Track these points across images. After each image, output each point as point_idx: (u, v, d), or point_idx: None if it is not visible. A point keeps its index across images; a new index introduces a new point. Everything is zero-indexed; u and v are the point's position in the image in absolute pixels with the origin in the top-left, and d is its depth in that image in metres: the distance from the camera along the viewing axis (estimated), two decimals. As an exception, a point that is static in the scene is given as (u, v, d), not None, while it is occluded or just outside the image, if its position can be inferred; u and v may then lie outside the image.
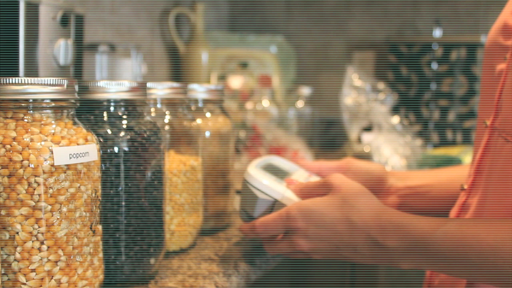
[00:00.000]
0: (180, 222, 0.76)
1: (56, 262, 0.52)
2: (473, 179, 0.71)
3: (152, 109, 0.75)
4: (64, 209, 0.52)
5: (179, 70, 1.83)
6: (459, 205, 0.74)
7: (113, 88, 0.62)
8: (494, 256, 0.56)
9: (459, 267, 0.59)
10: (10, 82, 0.51)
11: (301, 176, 0.76)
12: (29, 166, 0.50)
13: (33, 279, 0.51)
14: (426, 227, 0.60)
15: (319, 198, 0.66)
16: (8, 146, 0.50)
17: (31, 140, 0.51)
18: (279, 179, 0.73)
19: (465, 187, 0.73)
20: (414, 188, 0.83)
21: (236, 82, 1.79)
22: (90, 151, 0.54)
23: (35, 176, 0.50)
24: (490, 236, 0.56)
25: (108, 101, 0.62)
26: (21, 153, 0.50)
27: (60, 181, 0.52)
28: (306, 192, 0.69)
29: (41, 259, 0.51)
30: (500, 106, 0.68)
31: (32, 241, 0.51)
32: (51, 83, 0.52)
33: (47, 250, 0.51)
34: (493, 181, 0.67)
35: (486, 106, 0.72)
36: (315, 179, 0.77)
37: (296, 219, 0.65)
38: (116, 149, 0.61)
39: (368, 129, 1.61)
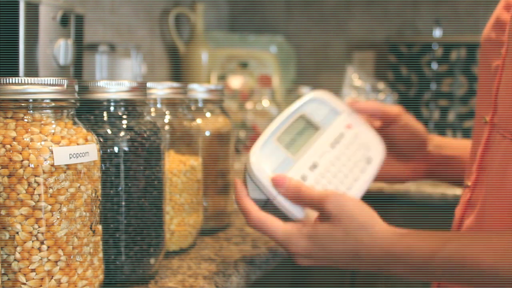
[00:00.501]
0: (180, 222, 0.76)
1: (56, 262, 0.52)
2: (476, 176, 0.71)
3: (152, 109, 0.75)
4: (64, 209, 0.52)
5: (179, 70, 1.83)
6: (464, 203, 0.73)
7: (113, 88, 0.62)
8: (493, 276, 0.58)
9: (461, 284, 0.62)
10: (10, 82, 0.51)
11: (300, 168, 0.71)
12: (29, 166, 0.50)
13: (33, 279, 0.51)
14: (427, 252, 0.61)
15: (321, 227, 0.64)
16: (8, 146, 0.50)
17: (31, 140, 0.51)
18: (287, 161, 0.70)
19: (469, 184, 0.73)
20: (447, 159, 0.84)
21: (236, 82, 1.79)
22: (90, 151, 0.54)
23: (35, 176, 0.50)
24: (489, 257, 0.58)
25: (108, 101, 0.62)
26: (21, 153, 0.50)
27: (60, 181, 0.52)
28: (295, 199, 0.67)
29: (41, 259, 0.51)
30: (500, 103, 0.68)
31: (32, 241, 0.51)
32: (51, 83, 0.52)
33: (47, 250, 0.51)
34: (494, 177, 0.67)
35: (484, 103, 0.72)
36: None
37: (298, 245, 0.64)
38: (116, 149, 0.61)
39: (368, 129, 1.61)
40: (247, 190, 0.68)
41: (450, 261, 0.60)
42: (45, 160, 0.50)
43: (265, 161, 0.69)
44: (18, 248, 0.51)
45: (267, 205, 0.68)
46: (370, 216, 0.64)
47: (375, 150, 0.77)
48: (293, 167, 0.70)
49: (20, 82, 0.51)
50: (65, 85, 0.53)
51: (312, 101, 0.76)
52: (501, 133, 0.66)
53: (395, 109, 0.80)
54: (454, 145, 0.86)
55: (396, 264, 0.63)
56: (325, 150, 0.73)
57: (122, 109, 0.63)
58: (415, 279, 0.65)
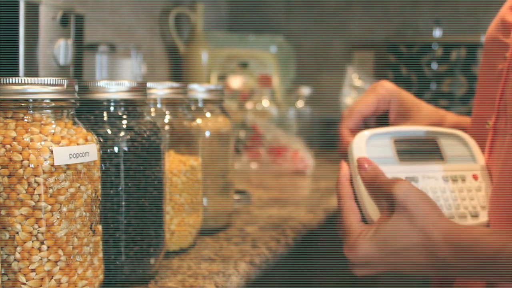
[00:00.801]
0: (180, 222, 0.76)
1: (56, 262, 0.52)
2: None
3: (152, 109, 0.75)
4: (64, 209, 0.52)
5: (179, 70, 1.83)
6: None
7: (113, 88, 0.62)
8: None
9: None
10: (10, 82, 0.51)
11: (398, 171, 0.67)
12: (29, 166, 0.50)
13: (33, 279, 0.51)
14: (496, 245, 0.58)
15: (384, 223, 0.62)
16: (8, 146, 0.50)
17: (31, 140, 0.51)
18: (390, 160, 0.68)
19: None
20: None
21: (236, 82, 1.79)
22: (90, 151, 0.54)
23: (35, 176, 0.50)
24: None
25: (108, 101, 0.62)
26: (21, 153, 0.50)
27: (60, 181, 0.52)
28: (370, 181, 0.64)
29: (41, 259, 0.51)
30: (503, 106, 0.67)
31: (32, 241, 0.51)
32: (51, 83, 0.52)
33: (47, 250, 0.51)
34: (506, 182, 0.66)
35: (485, 105, 0.71)
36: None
37: (361, 249, 0.63)
38: (116, 149, 0.61)
39: (368, 129, 1.61)
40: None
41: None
42: (45, 160, 0.50)
43: (368, 146, 0.67)
44: (18, 248, 0.51)
45: None
46: (435, 206, 0.61)
47: (482, 215, 0.70)
48: (391, 166, 0.68)
49: (20, 82, 0.51)
50: (65, 85, 0.53)
51: (452, 136, 0.73)
52: None
53: (382, 107, 0.76)
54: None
55: (462, 256, 0.58)
56: (435, 175, 0.69)
57: (122, 109, 0.63)
58: (477, 278, 0.61)
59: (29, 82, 0.51)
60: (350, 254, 0.64)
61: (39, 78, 0.51)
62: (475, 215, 0.68)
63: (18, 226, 0.50)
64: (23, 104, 0.51)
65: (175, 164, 0.75)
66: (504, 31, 0.69)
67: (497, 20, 0.72)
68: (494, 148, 0.68)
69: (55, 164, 0.51)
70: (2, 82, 0.51)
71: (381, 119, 0.77)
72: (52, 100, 0.52)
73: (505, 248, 0.57)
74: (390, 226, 0.61)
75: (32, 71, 0.83)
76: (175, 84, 0.76)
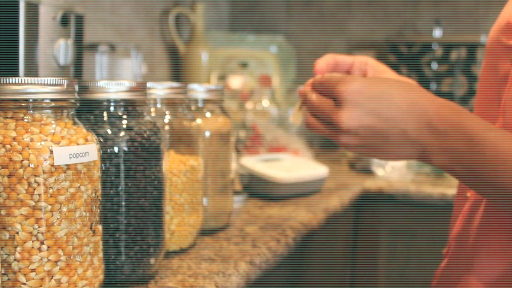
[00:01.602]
0: (180, 222, 0.76)
1: (56, 262, 0.52)
2: None
3: (152, 109, 0.75)
4: (64, 209, 0.52)
5: (179, 70, 1.83)
6: (464, 215, 0.72)
7: (113, 88, 0.62)
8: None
9: (494, 177, 0.57)
10: (10, 82, 0.51)
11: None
12: (29, 166, 0.50)
13: (33, 279, 0.51)
14: (480, 124, 0.58)
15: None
16: (8, 146, 0.50)
17: (31, 140, 0.51)
18: None
19: (468, 195, 0.72)
20: None
21: (236, 82, 1.79)
22: (90, 151, 0.54)
23: (35, 176, 0.50)
24: None
25: (108, 101, 0.62)
26: (21, 153, 0.50)
27: (60, 181, 0.52)
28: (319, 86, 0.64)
29: (41, 259, 0.51)
30: (509, 109, 0.66)
31: (32, 241, 0.51)
32: (51, 83, 0.52)
33: (47, 250, 0.51)
34: None
35: (488, 108, 0.70)
36: None
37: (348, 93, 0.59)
38: (116, 149, 0.61)
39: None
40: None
41: (500, 141, 0.56)
42: (45, 160, 0.50)
43: None
44: (18, 248, 0.51)
45: None
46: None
47: None
48: None
49: (20, 82, 0.51)
50: (65, 85, 0.53)
51: None
52: None
53: (347, 61, 0.74)
54: None
55: (447, 122, 0.58)
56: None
57: (122, 109, 0.63)
58: (446, 158, 0.58)
59: (29, 82, 0.51)
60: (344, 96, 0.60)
61: (39, 78, 0.51)
62: None
63: (18, 226, 0.50)
64: (23, 104, 0.51)
65: (175, 164, 0.75)
66: (508, 33, 0.69)
67: (501, 22, 0.71)
68: None
69: (55, 164, 0.51)
70: (2, 82, 0.51)
71: None
72: (52, 100, 0.52)
73: (489, 131, 0.56)
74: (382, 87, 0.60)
75: (32, 71, 0.83)
76: (175, 84, 0.76)
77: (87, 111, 0.61)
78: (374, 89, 0.60)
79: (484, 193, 0.62)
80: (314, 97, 0.64)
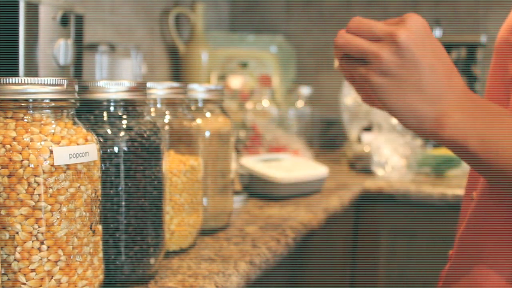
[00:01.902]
0: (180, 222, 0.76)
1: (56, 262, 0.52)
2: (483, 188, 0.70)
3: (152, 109, 0.75)
4: (64, 209, 0.52)
5: (179, 70, 1.83)
6: (469, 216, 0.72)
7: (113, 88, 0.62)
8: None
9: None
10: (10, 82, 0.51)
11: None
12: (29, 166, 0.50)
13: (33, 279, 0.51)
14: (503, 109, 0.59)
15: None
16: (8, 146, 0.50)
17: (31, 140, 0.51)
18: None
19: (474, 196, 0.72)
20: None
21: (236, 82, 1.79)
22: (90, 151, 0.54)
23: (35, 176, 0.50)
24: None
25: (108, 101, 0.62)
26: (21, 153, 0.50)
27: (60, 181, 0.52)
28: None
29: (41, 259, 0.51)
30: None
31: (32, 241, 0.51)
32: (51, 83, 0.52)
33: (47, 250, 0.51)
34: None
35: None
36: None
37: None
38: (116, 149, 0.61)
39: (368, 129, 1.61)
40: None
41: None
42: (45, 160, 0.50)
43: None
44: (18, 248, 0.51)
45: None
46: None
47: None
48: None
49: (20, 82, 0.51)
50: (65, 85, 0.53)
51: None
52: None
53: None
54: None
55: (470, 101, 0.59)
56: None
57: (122, 109, 0.63)
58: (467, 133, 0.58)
59: (29, 82, 0.51)
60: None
61: (39, 78, 0.51)
62: None
63: (18, 226, 0.50)
64: (23, 104, 0.51)
65: (175, 164, 0.75)
66: None
67: (510, 22, 0.71)
68: None
69: (55, 164, 0.51)
70: (2, 82, 0.51)
71: None
72: (52, 100, 0.52)
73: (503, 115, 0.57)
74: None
75: (32, 71, 0.83)
76: (175, 84, 0.76)
77: (87, 111, 0.61)
78: (432, 34, 0.60)
79: (490, 174, 0.61)
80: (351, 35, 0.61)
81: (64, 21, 0.87)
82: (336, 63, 0.65)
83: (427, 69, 0.58)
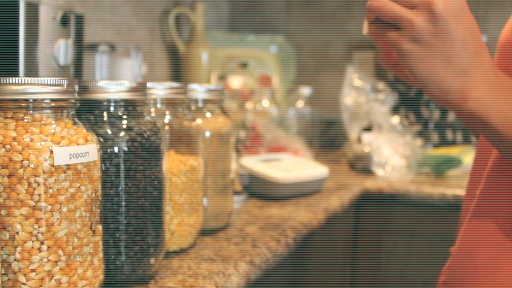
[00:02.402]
0: (180, 222, 0.76)
1: (56, 262, 0.52)
2: (484, 187, 0.70)
3: (152, 109, 0.75)
4: (64, 209, 0.52)
5: (179, 70, 1.83)
6: (471, 212, 0.72)
7: (113, 88, 0.62)
8: None
9: None
10: (10, 82, 0.51)
11: None
12: (29, 166, 0.50)
13: (33, 279, 0.51)
14: None
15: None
16: (8, 146, 0.50)
17: (31, 140, 0.51)
18: None
19: (477, 193, 0.72)
20: None
21: (236, 82, 1.79)
22: (90, 151, 0.54)
23: (35, 176, 0.50)
24: None
25: (108, 101, 0.62)
26: (21, 153, 0.50)
27: (60, 181, 0.52)
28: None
29: (41, 259, 0.51)
30: None
31: (32, 241, 0.51)
32: (51, 83, 0.52)
33: (47, 250, 0.51)
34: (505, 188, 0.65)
35: None
36: None
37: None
38: (116, 149, 0.61)
39: (368, 129, 1.61)
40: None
41: None
42: (45, 160, 0.50)
43: None
44: (18, 248, 0.51)
45: None
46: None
47: None
48: None
49: (20, 82, 0.51)
50: (65, 85, 0.53)
51: None
52: None
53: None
54: None
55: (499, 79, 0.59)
56: None
57: (122, 109, 0.63)
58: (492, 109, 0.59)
59: (29, 82, 0.51)
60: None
61: (39, 78, 0.51)
62: None
63: (18, 226, 0.50)
64: (23, 104, 0.51)
65: (175, 164, 0.76)
66: None
67: None
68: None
69: (55, 164, 0.51)
70: (2, 82, 0.51)
71: None
72: (52, 100, 0.52)
73: None
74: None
75: (32, 71, 0.83)
76: (175, 84, 0.76)
77: (87, 111, 0.61)
78: (468, 9, 0.61)
79: (508, 150, 0.62)
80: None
81: (64, 21, 0.87)
82: (365, 28, 0.65)
83: (459, 42, 0.58)
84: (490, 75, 0.59)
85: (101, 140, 0.60)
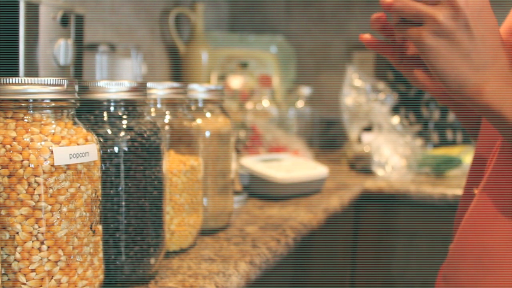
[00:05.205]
0: (180, 222, 0.76)
1: (56, 262, 0.52)
2: (485, 186, 0.70)
3: (152, 109, 0.75)
4: (64, 209, 0.52)
5: (179, 70, 1.83)
6: (470, 211, 0.72)
7: (113, 88, 0.62)
8: None
9: None
10: (10, 82, 0.51)
11: None
12: (29, 166, 0.50)
13: (33, 279, 0.51)
14: None
15: None
16: (8, 146, 0.50)
17: (31, 140, 0.51)
18: None
19: (476, 192, 0.72)
20: None
21: (236, 82, 1.79)
22: (90, 151, 0.54)
23: (35, 176, 0.50)
24: None
25: (108, 101, 0.62)
26: (21, 153, 0.50)
27: (60, 181, 0.52)
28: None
29: (41, 259, 0.51)
30: None
31: (32, 241, 0.51)
32: (51, 83, 0.52)
33: (47, 250, 0.51)
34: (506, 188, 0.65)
35: None
36: None
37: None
38: (116, 149, 0.61)
39: (368, 129, 1.61)
40: None
41: None
42: (45, 160, 0.50)
43: None
44: (18, 248, 0.51)
45: None
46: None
47: None
48: None
49: (20, 82, 0.51)
50: (65, 85, 0.53)
51: None
52: None
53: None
54: None
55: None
56: None
57: (122, 109, 0.63)
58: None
59: (29, 82, 0.51)
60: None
61: (39, 78, 0.51)
62: None
63: (18, 226, 0.50)
64: (23, 104, 0.51)
65: (175, 164, 0.75)
66: None
67: (509, 25, 0.72)
68: (505, 153, 0.68)
69: (55, 164, 0.51)
70: (2, 82, 0.51)
71: None
72: (52, 100, 0.52)
73: None
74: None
75: (32, 71, 0.83)
76: (175, 84, 0.76)
77: (87, 111, 0.61)
78: (489, 7, 0.62)
79: None
80: None
81: (64, 21, 0.87)
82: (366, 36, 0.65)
83: (478, 38, 0.60)
84: (507, 70, 0.61)
85: (101, 140, 0.60)
